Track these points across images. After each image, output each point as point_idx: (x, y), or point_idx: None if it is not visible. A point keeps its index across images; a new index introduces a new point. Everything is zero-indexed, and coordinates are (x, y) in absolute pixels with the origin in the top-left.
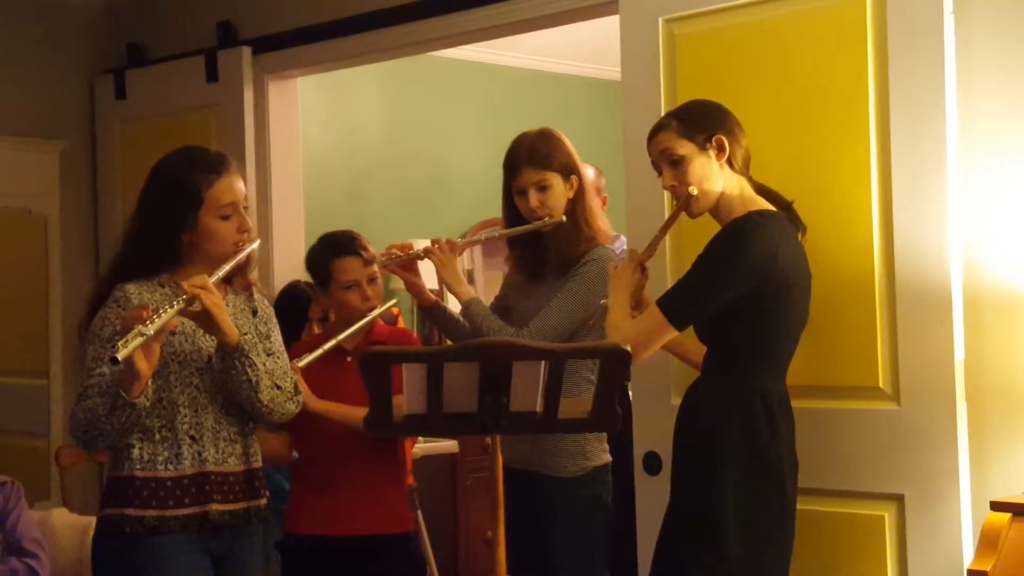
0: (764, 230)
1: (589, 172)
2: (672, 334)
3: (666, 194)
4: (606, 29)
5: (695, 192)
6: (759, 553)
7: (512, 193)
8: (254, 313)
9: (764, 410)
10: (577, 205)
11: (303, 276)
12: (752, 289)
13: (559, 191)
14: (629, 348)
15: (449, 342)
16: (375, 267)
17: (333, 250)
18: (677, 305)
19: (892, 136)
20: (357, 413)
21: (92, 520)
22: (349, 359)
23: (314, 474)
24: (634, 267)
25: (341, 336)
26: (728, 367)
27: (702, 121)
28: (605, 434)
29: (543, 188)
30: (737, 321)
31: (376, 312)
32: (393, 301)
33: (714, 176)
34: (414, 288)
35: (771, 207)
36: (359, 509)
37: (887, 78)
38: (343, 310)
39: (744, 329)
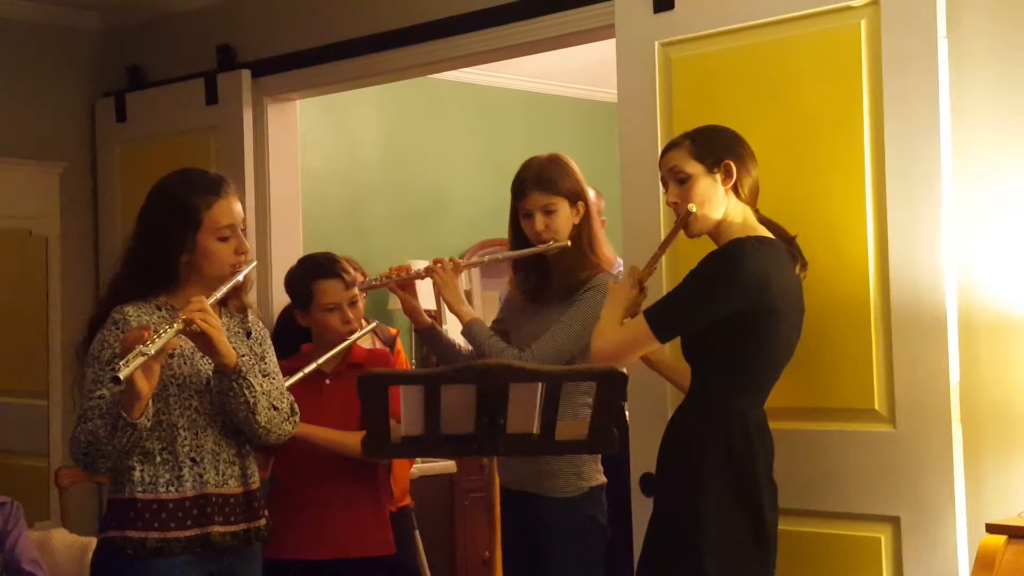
0: (758, 255)
1: (590, 194)
2: (655, 345)
3: (663, 216)
4: (603, 52)
5: (695, 210)
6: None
7: (519, 215)
8: (248, 335)
9: (742, 434)
10: (583, 231)
11: None
12: (739, 311)
13: (565, 216)
14: (610, 353)
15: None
16: (356, 290)
17: (314, 272)
18: (663, 317)
19: (887, 159)
20: (336, 436)
21: (91, 540)
22: (328, 381)
23: (292, 498)
24: (632, 283)
25: (322, 359)
26: (709, 390)
27: (714, 145)
28: (599, 455)
29: (549, 212)
30: (721, 343)
31: (357, 335)
32: (374, 323)
33: (717, 199)
34: (411, 309)
35: (770, 236)
36: (338, 532)
37: (881, 102)
38: (323, 332)
39: (727, 352)
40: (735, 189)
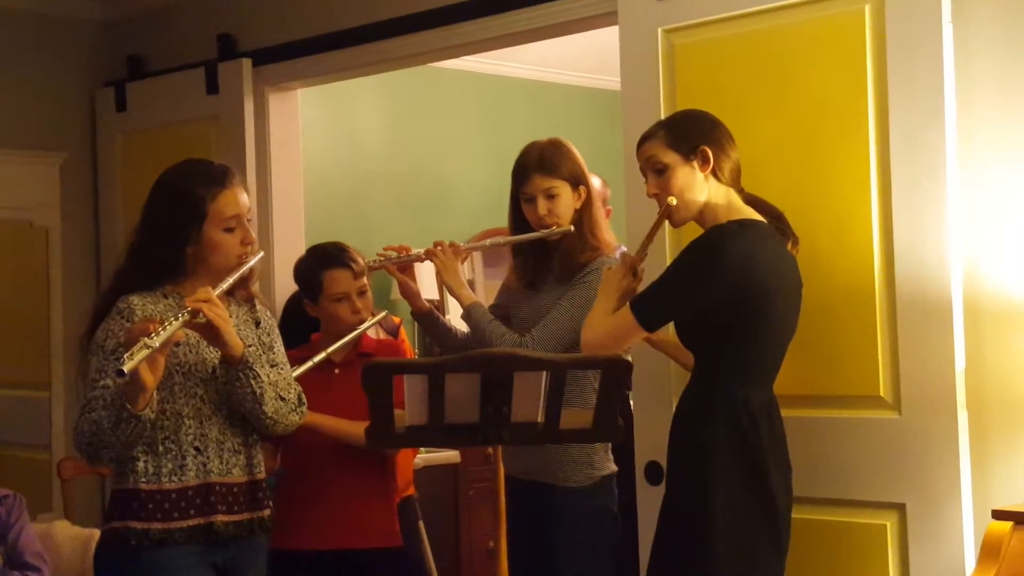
0: (737, 239)
1: (596, 182)
2: (642, 335)
3: None
4: (606, 39)
5: (674, 203)
6: (749, 563)
7: (520, 201)
8: (257, 324)
9: (748, 419)
10: (584, 216)
11: None
12: (724, 298)
13: (567, 200)
14: (597, 344)
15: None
16: (365, 279)
17: (322, 262)
18: (648, 308)
19: (891, 146)
20: (345, 426)
21: (94, 532)
22: (337, 371)
23: (299, 488)
24: (625, 271)
25: (331, 348)
26: (711, 376)
27: (689, 132)
28: (610, 444)
29: (551, 196)
30: (715, 329)
31: (366, 325)
32: (383, 313)
33: (697, 187)
34: (408, 292)
35: (756, 216)
36: (345, 523)
37: (886, 87)
38: (332, 322)
39: (722, 337)
40: (715, 173)
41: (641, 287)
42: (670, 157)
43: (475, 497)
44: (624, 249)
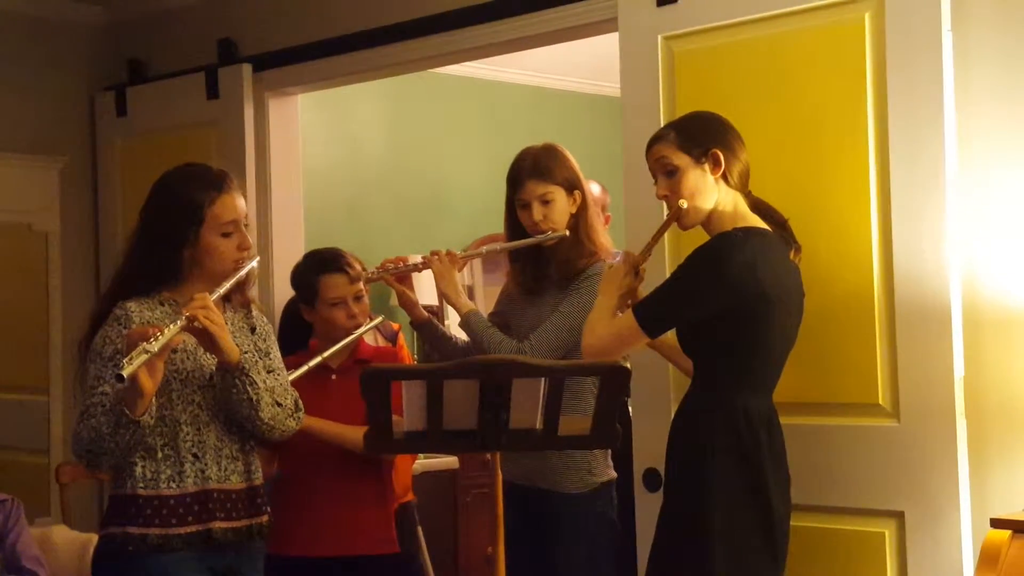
0: (742, 247)
1: (595, 188)
2: (644, 340)
3: (666, 211)
4: (606, 45)
5: (685, 206)
6: (746, 570)
7: (515, 207)
8: (252, 330)
9: (747, 427)
10: (580, 220)
11: None
12: (727, 306)
13: (562, 205)
14: (599, 349)
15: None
16: (361, 284)
17: (319, 267)
18: (651, 314)
19: (891, 153)
20: (341, 431)
21: (92, 537)
22: (334, 376)
23: (296, 493)
24: (627, 270)
25: (326, 353)
26: (711, 384)
27: (700, 134)
28: (609, 450)
29: (546, 202)
30: (716, 337)
31: (362, 330)
32: (380, 318)
33: (707, 190)
34: (407, 302)
35: (761, 224)
36: (342, 529)
37: (886, 95)
38: (328, 327)
39: (723, 346)
40: (725, 177)
41: (643, 289)
42: (681, 159)
43: (473, 503)
44: (623, 254)
